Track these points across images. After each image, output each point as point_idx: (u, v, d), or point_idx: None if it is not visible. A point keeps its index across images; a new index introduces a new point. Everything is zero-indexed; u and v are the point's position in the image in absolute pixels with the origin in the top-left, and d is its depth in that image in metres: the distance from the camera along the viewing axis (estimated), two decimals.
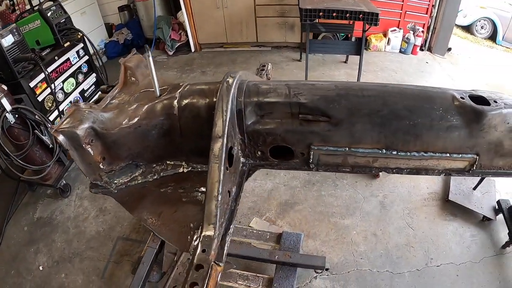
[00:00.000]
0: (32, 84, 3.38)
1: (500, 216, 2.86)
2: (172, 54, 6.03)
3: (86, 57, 4.26)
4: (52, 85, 3.51)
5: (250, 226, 3.01)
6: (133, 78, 1.76)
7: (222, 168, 1.14)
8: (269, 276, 2.47)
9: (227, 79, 1.27)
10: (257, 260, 2.55)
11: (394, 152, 1.22)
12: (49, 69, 3.64)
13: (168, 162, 1.59)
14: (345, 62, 5.66)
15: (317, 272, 2.60)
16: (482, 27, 7.80)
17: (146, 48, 1.37)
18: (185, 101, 1.37)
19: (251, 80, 1.37)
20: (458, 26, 7.61)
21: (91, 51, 4.24)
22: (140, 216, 1.49)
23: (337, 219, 3.08)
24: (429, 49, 6.05)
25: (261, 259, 2.53)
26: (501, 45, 7.40)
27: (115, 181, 1.53)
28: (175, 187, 1.52)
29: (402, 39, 5.86)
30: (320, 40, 5.56)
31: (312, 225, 3.02)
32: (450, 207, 3.10)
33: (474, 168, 1.29)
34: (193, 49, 6.16)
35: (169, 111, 1.37)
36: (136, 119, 1.40)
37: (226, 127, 1.18)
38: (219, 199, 1.10)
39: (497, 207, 2.93)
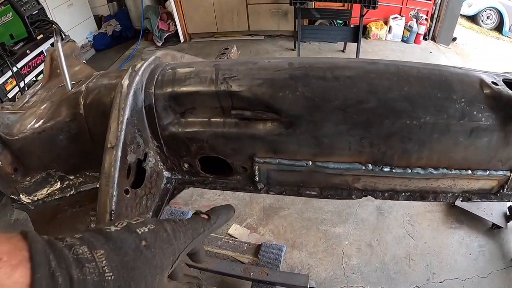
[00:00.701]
0: (1, 81, 3.15)
1: None
2: (160, 45, 5.56)
3: None
4: (22, 82, 3.22)
5: (228, 234, 2.60)
6: (58, 70, 1.45)
7: (116, 192, 0.70)
8: None
9: (135, 64, 0.82)
10: (229, 276, 2.12)
11: (387, 169, 0.74)
12: (21, 64, 3.39)
13: (87, 173, 1.21)
14: (343, 51, 5.17)
15: None
16: (488, 18, 7.34)
17: (55, 32, 1.07)
18: (91, 97, 0.98)
19: (173, 63, 0.91)
20: (463, 16, 7.12)
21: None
22: None
23: (328, 227, 2.65)
24: (433, 39, 5.51)
25: (234, 276, 2.10)
26: (507, 36, 6.92)
27: (32, 196, 1.19)
28: (88, 208, 1.15)
29: (404, 27, 5.35)
30: (311, 26, 5.02)
31: (299, 234, 2.60)
32: (456, 213, 2.70)
33: (505, 189, 0.83)
34: (182, 40, 5.71)
35: (75, 109, 1.02)
36: (40, 122, 1.07)
37: (123, 132, 0.76)
38: None
39: (508, 213, 2.57)
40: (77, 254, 0.38)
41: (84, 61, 1.69)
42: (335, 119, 0.67)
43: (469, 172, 0.80)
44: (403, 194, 0.81)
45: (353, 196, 0.79)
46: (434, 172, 0.77)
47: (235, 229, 2.62)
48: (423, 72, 0.70)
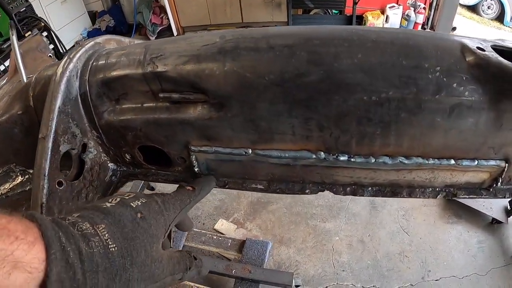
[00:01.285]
0: None
1: None
2: (154, 40, 5.39)
3: (51, 46, 3.73)
4: None
5: (214, 229, 2.47)
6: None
7: (46, 184, 0.65)
8: None
9: (72, 51, 0.74)
10: (210, 272, 2.00)
11: (344, 158, 0.59)
12: (8, 62, 3.21)
13: None
14: None
15: None
16: (488, 7, 7.04)
17: (11, 25, 1.21)
18: (38, 88, 0.93)
19: (111, 48, 0.80)
20: (463, 6, 6.83)
21: (54, 39, 3.72)
22: None
23: (317, 221, 2.50)
24: (432, 28, 5.26)
25: (216, 272, 1.98)
26: (509, 26, 6.63)
27: None
28: None
29: (402, 17, 5.08)
30: (304, 15, 4.81)
31: (287, 229, 2.46)
32: (454, 207, 2.52)
33: (499, 183, 0.69)
34: (175, 33, 5.54)
35: (26, 102, 0.99)
36: None
37: (54, 121, 0.68)
38: None
39: (509, 207, 2.40)
40: (81, 230, 0.40)
41: (50, 55, 1.60)
42: (271, 96, 0.52)
43: (452, 162, 0.64)
44: (370, 188, 0.66)
45: (306, 191, 0.64)
46: (406, 161, 0.62)
47: (221, 224, 2.49)
48: (383, 36, 0.54)
